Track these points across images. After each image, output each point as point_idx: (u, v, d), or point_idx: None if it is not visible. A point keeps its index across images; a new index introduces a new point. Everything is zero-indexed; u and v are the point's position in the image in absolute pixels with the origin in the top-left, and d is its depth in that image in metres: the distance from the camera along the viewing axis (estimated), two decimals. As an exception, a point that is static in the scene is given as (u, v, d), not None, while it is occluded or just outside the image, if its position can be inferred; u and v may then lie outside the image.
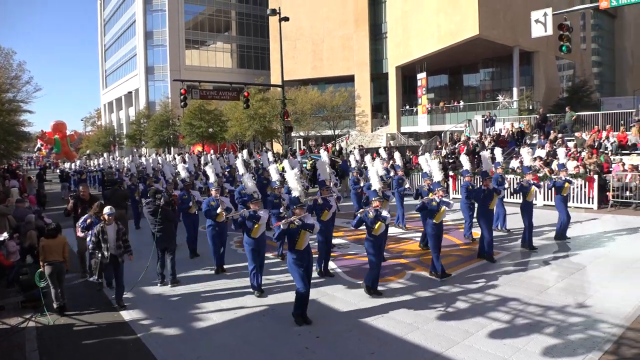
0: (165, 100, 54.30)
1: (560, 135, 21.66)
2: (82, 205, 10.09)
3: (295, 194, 8.16)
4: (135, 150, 58.74)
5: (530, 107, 35.36)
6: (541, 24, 16.37)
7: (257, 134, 39.29)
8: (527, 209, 11.25)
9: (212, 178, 12.03)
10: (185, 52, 62.48)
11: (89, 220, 9.00)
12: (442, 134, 31.94)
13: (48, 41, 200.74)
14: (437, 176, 10.60)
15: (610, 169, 17.07)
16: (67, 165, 44.37)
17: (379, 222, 8.05)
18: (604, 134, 20.81)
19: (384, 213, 8.13)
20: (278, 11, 27.25)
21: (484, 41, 35.97)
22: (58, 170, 39.33)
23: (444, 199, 9.15)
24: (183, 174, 13.59)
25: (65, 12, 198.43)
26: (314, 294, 7.95)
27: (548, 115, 26.37)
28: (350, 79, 48.87)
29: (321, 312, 7.61)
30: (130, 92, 66.68)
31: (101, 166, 33.76)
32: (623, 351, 6.06)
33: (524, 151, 13.86)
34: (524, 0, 35.56)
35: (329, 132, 43.29)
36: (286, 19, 27.45)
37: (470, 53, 40.29)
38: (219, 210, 9.79)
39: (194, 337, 6.98)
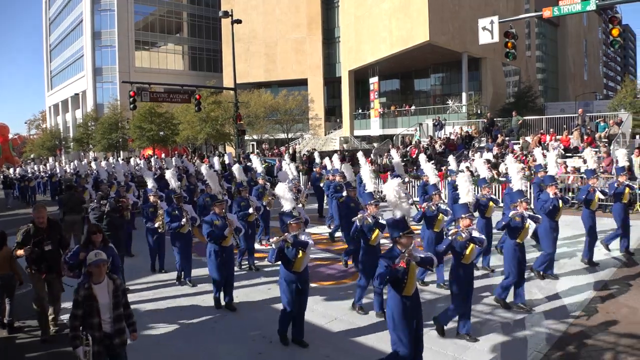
0: (114, 103, 52.84)
1: (507, 138, 22.40)
2: (39, 235, 6.92)
3: (397, 214, 5.81)
4: (82, 154, 56.89)
5: (479, 112, 36.33)
6: (488, 32, 16.85)
7: (210, 137, 38.81)
8: (589, 220, 9.99)
9: (215, 188, 10.46)
10: (135, 54, 60.94)
11: (82, 254, 5.91)
12: (394, 138, 32.43)
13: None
14: (518, 184, 9.03)
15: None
16: (12, 170, 42.42)
17: (471, 246, 6.37)
18: (548, 137, 21.67)
19: (475, 233, 6.48)
20: (230, 13, 27.03)
21: (434, 47, 36.76)
22: (1, 176, 37.32)
23: (530, 213, 7.67)
24: (173, 183, 10.84)
25: (6, 7, 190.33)
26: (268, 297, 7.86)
27: (495, 119, 27.24)
28: (303, 83, 48.99)
29: (275, 317, 7.54)
30: (77, 94, 64.46)
31: (53, 171, 30.64)
32: (567, 345, 6.31)
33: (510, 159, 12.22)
34: (472, 8, 36.68)
35: (283, 136, 43.24)
36: (239, 21, 27.26)
37: (421, 58, 41.12)
38: (226, 232, 7.84)
39: (146, 346, 6.76)
